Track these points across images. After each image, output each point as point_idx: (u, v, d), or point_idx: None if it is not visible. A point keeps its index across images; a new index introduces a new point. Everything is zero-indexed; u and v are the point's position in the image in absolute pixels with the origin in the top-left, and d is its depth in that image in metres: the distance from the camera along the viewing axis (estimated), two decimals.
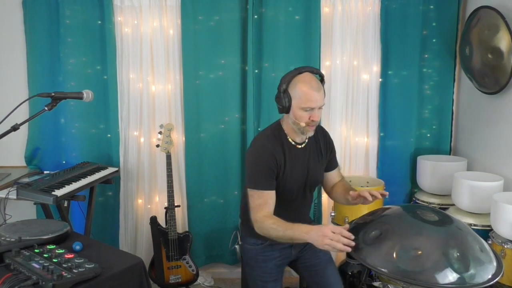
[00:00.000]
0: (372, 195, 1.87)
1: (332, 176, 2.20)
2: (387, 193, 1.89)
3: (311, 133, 1.95)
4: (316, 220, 3.30)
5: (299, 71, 1.89)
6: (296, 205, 2.07)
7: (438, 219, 1.63)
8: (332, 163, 2.18)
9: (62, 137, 3.24)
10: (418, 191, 3.23)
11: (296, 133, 1.96)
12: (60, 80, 3.17)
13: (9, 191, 2.50)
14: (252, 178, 1.92)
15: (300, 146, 2.01)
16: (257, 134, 2.08)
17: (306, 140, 2.03)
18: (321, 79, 1.95)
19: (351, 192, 1.95)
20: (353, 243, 1.58)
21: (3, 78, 3.23)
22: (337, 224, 3.03)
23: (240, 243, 2.17)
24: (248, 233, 2.07)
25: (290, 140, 1.98)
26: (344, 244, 1.58)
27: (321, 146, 2.09)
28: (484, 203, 2.53)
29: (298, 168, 1.99)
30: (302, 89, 1.83)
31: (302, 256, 2.14)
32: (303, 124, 1.88)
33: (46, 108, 1.93)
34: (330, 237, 1.60)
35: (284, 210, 1.95)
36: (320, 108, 1.88)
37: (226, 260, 3.44)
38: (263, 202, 1.88)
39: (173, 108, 3.29)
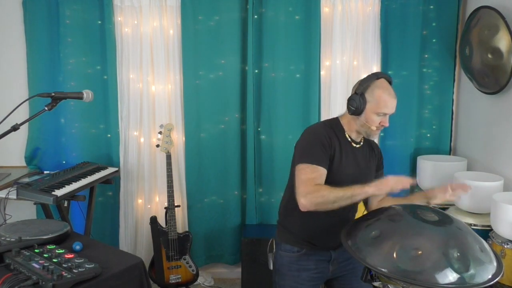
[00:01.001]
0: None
1: None
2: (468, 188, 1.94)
3: (375, 137, 1.99)
4: None
5: (376, 76, 1.91)
6: (343, 207, 1.94)
7: (438, 219, 1.63)
8: (378, 175, 2.10)
9: (62, 137, 3.24)
10: (418, 191, 3.23)
11: (358, 133, 1.97)
12: (60, 80, 3.17)
13: (9, 191, 2.50)
14: (307, 153, 1.86)
15: (355, 145, 1.98)
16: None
17: (362, 142, 2.02)
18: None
19: (448, 186, 1.94)
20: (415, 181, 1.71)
21: (3, 78, 3.23)
22: None
23: (273, 250, 2.06)
24: (284, 239, 1.98)
25: (347, 135, 1.97)
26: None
27: (375, 154, 2.08)
28: (484, 203, 2.53)
29: (349, 164, 1.94)
30: (380, 95, 1.87)
31: (342, 276, 2.03)
32: (374, 128, 1.90)
33: (46, 108, 1.93)
34: (393, 178, 1.71)
35: (329, 210, 1.84)
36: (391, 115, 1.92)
37: (226, 260, 3.44)
38: (317, 176, 1.80)
39: (173, 108, 3.29)
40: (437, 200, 1.93)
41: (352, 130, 1.96)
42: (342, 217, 1.95)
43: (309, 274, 1.95)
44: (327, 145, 1.87)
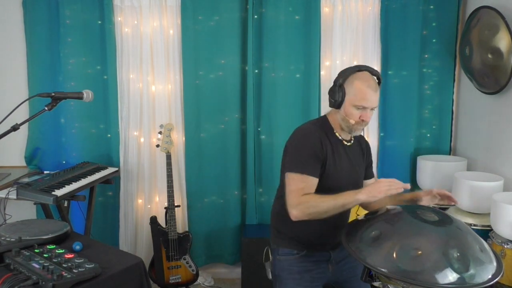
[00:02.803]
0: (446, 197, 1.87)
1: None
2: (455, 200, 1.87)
3: (358, 133, 1.88)
4: None
5: (358, 68, 1.82)
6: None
7: (438, 219, 1.63)
8: (369, 171, 2.09)
9: (62, 137, 3.24)
10: (418, 191, 3.23)
11: (343, 130, 1.88)
12: (60, 80, 3.17)
13: (9, 191, 2.50)
14: (297, 161, 1.77)
15: (346, 143, 1.91)
16: (301, 125, 1.94)
17: (352, 140, 1.95)
18: (379, 82, 1.86)
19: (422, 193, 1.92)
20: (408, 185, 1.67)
21: (3, 78, 3.23)
22: None
23: (270, 258, 1.98)
24: (281, 243, 1.92)
25: (337, 134, 1.89)
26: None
27: (363, 149, 2.02)
28: (484, 203, 2.53)
29: (344, 165, 1.88)
30: (358, 87, 1.76)
31: (343, 280, 1.99)
32: (352, 122, 1.80)
33: (46, 108, 1.93)
34: (385, 183, 1.64)
35: None
36: (372, 109, 1.80)
37: (226, 260, 3.44)
38: (306, 186, 1.74)
39: (173, 108, 3.29)
40: (423, 203, 1.88)
41: (338, 127, 1.89)
42: (338, 216, 1.87)
43: (311, 274, 1.90)
44: (319, 151, 1.79)
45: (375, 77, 1.84)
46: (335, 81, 1.83)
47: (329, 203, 1.68)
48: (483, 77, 2.85)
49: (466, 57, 2.96)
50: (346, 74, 1.80)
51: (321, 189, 1.79)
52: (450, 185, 2.81)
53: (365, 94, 1.76)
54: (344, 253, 1.96)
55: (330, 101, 1.84)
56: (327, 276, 1.95)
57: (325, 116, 1.95)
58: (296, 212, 1.71)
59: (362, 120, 1.80)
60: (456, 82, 3.30)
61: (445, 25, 3.21)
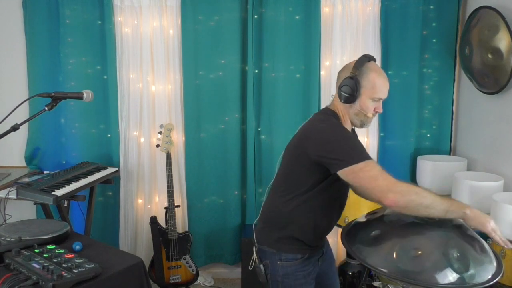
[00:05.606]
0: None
1: None
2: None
3: (369, 126, 1.84)
4: None
5: (368, 58, 1.76)
6: (344, 198, 1.90)
7: (438, 219, 1.63)
8: None
9: (62, 137, 3.24)
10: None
11: (352, 123, 1.82)
12: (60, 80, 3.17)
13: (9, 191, 2.50)
14: (351, 152, 1.63)
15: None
16: (315, 115, 1.84)
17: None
18: None
19: None
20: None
21: (3, 78, 3.23)
22: (337, 225, 3.02)
23: (264, 262, 1.85)
24: (283, 248, 1.79)
25: (346, 128, 1.83)
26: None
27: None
28: (484, 203, 2.53)
29: None
30: (376, 79, 1.72)
31: (322, 269, 1.96)
32: (370, 115, 1.76)
33: (46, 108, 1.93)
34: (493, 227, 1.53)
35: (337, 205, 1.83)
36: None
37: (226, 260, 3.44)
38: (380, 169, 1.60)
39: (173, 108, 3.29)
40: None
41: (346, 121, 1.81)
42: (339, 210, 1.89)
43: (312, 276, 1.87)
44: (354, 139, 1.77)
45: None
46: (345, 75, 1.75)
47: (435, 199, 1.53)
48: (483, 77, 2.85)
49: (466, 57, 2.96)
50: (358, 65, 1.73)
51: (331, 192, 1.74)
52: (450, 185, 2.81)
53: (382, 86, 1.73)
54: (326, 246, 1.98)
55: (344, 96, 1.73)
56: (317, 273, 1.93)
57: (330, 109, 1.84)
58: (393, 196, 1.54)
59: (377, 112, 1.78)
60: (456, 82, 3.30)
61: (445, 25, 3.21)
